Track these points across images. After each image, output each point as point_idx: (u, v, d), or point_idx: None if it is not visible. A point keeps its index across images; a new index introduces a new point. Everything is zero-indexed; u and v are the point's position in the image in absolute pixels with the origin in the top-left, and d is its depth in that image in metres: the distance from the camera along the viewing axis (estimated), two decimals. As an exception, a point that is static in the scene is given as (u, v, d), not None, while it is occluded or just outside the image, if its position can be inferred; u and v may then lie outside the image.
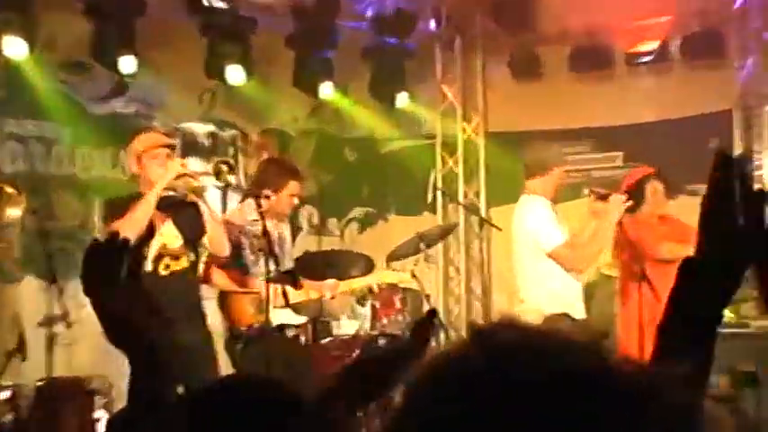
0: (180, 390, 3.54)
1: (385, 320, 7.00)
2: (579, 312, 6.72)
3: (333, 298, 6.92)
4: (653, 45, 9.63)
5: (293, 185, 6.70)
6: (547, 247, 6.66)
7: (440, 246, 9.67)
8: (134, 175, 6.29)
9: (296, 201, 6.91)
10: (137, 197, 6.01)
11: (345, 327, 7.05)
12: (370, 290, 7.11)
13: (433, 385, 1.00)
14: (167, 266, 6.10)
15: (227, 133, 9.29)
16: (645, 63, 9.71)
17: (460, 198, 10.24)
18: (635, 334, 6.29)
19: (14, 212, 6.11)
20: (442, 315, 8.13)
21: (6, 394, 6.09)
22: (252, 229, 6.48)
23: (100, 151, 8.69)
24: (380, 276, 7.27)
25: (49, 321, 6.39)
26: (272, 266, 6.20)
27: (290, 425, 1.79)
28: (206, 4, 8.52)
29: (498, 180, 9.95)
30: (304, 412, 1.85)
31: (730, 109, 8.78)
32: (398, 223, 9.99)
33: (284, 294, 6.29)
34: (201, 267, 6.32)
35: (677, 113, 9.40)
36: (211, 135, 9.13)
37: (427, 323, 2.79)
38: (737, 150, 8.42)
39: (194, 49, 8.75)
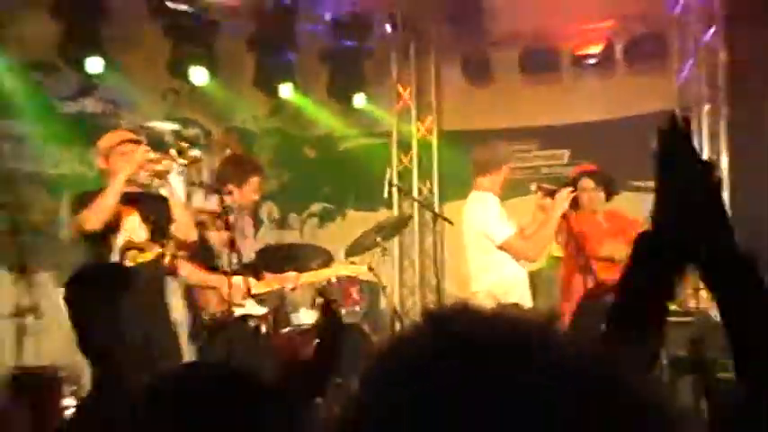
0: (145, 378, 3.57)
1: (343, 311, 7.01)
2: (527, 301, 6.80)
3: (293, 289, 6.89)
4: (598, 48, 9.75)
5: (255, 181, 6.69)
6: (497, 239, 6.71)
7: (395, 240, 9.76)
8: (102, 171, 6.20)
9: (257, 196, 6.91)
10: (103, 191, 5.93)
11: (305, 317, 7.05)
12: (329, 282, 7.13)
13: (385, 369, 0.95)
14: (134, 257, 6.04)
15: (191, 131, 9.28)
16: (590, 65, 9.82)
17: (415, 194, 10.31)
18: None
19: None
20: (397, 305, 8.18)
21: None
22: (216, 223, 6.49)
23: (68, 148, 8.65)
24: (339, 269, 7.27)
25: (18, 312, 6.37)
26: (234, 259, 6.19)
27: (259, 411, 1.77)
28: (170, 6, 8.54)
29: (450, 177, 10.03)
30: (272, 399, 1.83)
31: (671, 109, 8.89)
32: (356, 218, 10.04)
33: (246, 286, 6.30)
34: (167, 259, 6.34)
35: (620, 113, 9.50)
36: (175, 133, 9.12)
37: (329, 322, 2.80)
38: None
39: (159, 51, 8.76)
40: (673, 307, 5.21)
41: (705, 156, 8.84)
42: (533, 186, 7.01)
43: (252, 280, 6.44)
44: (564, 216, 6.69)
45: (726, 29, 8.92)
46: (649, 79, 9.39)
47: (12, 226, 6.35)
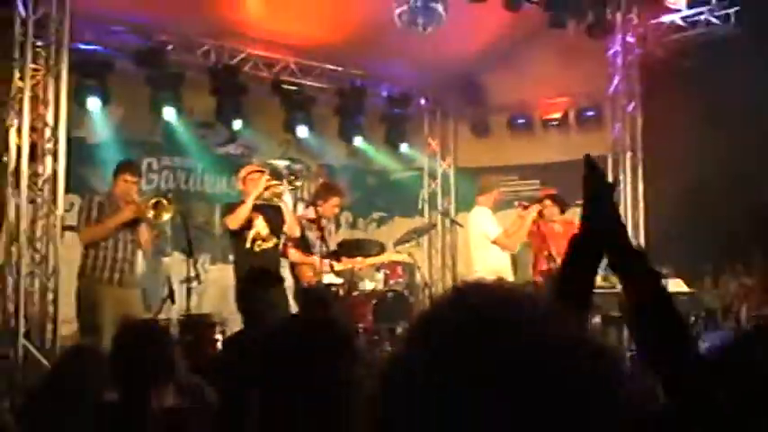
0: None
1: (392, 282, 6.94)
2: (510, 276, 6.78)
3: (360, 269, 6.89)
4: (558, 114, 9.70)
5: (335, 200, 6.68)
6: (491, 237, 6.72)
7: (426, 237, 9.76)
8: (240, 191, 6.34)
9: (337, 210, 6.91)
10: (241, 203, 6.08)
11: (368, 285, 6.98)
12: (383, 263, 7.09)
13: (419, 331, 0.83)
14: (260, 245, 6.13)
15: (297, 166, 9.18)
16: (553, 125, 9.74)
17: (439, 207, 10.25)
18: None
19: (167, 215, 6.05)
20: (427, 279, 8.06)
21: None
22: (312, 225, 6.47)
23: (219, 176, 8.71)
24: (389, 255, 7.23)
25: (187, 279, 6.30)
26: (323, 248, 6.24)
27: (337, 348, 1.74)
28: (284, 87, 8.64)
29: (462, 197, 9.95)
30: (349, 340, 1.81)
31: (606, 154, 8.81)
32: (401, 223, 9.98)
33: (331, 265, 6.33)
34: (281, 247, 6.35)
35: (573, 156, 9.25)
36: (287, 167, 9.14)
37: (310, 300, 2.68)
38: (610, 179, 8.36)
39: (277, 115, 8.78)
40: (607, 282, 5.16)
41: (626, 185, 8.80)
42: (516, 203, 7.01)
43: (334, 262, 6.45)
44: (534, 222, 6.73)
45: (642, 103, 8.84)
46: (592, 135, 9.25)
47: (184, 225, 6.38)
